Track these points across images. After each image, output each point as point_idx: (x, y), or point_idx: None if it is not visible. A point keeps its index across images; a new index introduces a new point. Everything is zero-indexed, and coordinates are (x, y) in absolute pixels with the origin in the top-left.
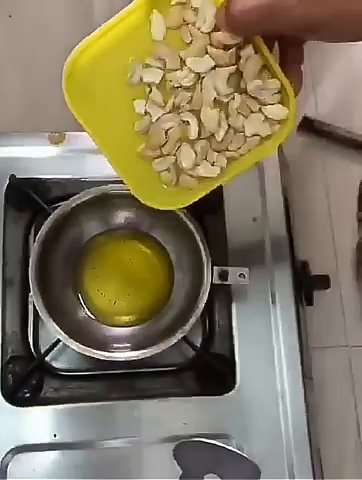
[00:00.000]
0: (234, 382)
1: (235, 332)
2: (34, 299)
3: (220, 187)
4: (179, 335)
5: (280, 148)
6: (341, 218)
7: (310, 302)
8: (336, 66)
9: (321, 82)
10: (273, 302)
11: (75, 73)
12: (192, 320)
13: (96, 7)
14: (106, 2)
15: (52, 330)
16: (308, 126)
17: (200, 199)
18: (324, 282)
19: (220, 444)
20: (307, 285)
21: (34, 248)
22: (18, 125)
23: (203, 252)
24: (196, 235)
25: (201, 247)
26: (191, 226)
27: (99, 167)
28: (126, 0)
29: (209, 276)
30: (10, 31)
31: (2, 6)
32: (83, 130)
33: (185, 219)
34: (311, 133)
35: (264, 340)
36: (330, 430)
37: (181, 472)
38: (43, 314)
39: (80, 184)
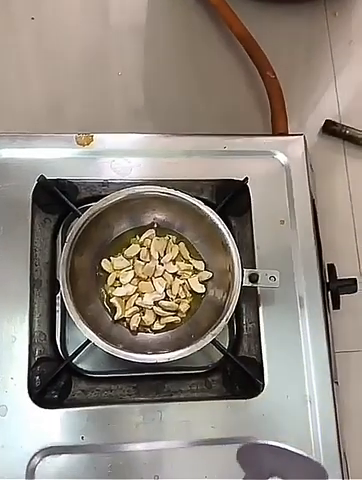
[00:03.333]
0: (262, 385)
1: (263, 335)
2: (65, 300)
3: (247, 190)
4: (209, 338)
5: (306, 150)
6: None
7: (337, 306)
8: (359, 68)
9: (344, 84)
10: (301, 305)
11: None
12: (223, 323)
13: (111, 7)
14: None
15: (82, 331)
16: (330, 129)
17: (227, 201)
18: (351, 285)
19: (284, 446)
20: (334, 288)
21: (64, 249)
22: (41, 125)
23: (234, 254)
24: (227, 237)
25: (232, 249)
26: (222, 228)
27: (126, 168)
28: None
29: (240, 279)
30: (32, 33)
31: (25, 9)
32: (109, 132)
33: (216, 221)
34: (333, 136)
35: (292, 344)
36: (354, 434)
37: (244, 474)
38: (73, 315)
39: (107, 185)
